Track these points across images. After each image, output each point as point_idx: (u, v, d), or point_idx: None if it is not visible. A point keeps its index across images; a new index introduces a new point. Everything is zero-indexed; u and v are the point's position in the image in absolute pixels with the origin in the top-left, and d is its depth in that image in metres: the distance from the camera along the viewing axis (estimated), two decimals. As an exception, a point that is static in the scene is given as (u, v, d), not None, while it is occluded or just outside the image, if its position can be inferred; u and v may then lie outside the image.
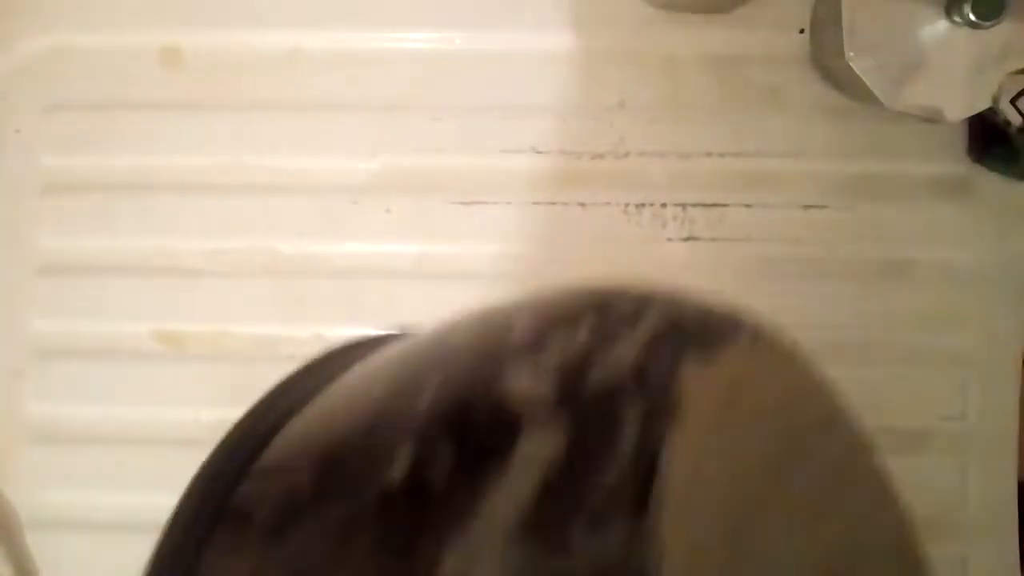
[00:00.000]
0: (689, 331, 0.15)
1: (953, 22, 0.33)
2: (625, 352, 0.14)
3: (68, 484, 0.40)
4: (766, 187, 0.40)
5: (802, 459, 0.15)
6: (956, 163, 0.39)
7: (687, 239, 0.40)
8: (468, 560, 0.11)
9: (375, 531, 0.12)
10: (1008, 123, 0.35)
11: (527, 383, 0.13)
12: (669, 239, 0.40)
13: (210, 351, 0.40)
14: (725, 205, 0.40)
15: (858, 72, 0.34)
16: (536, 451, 0.12)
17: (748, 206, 0.40)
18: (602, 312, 0.15)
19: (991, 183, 0.39)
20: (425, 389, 0.14)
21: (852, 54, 0.34)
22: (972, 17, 0.32)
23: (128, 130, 0.40)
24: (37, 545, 0.40)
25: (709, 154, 0.40)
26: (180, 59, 0.40)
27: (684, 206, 0.40)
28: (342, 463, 0.14)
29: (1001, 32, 0.33)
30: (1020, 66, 0.34)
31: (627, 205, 0.40)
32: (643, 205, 0.40)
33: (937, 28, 0.33)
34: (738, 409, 0.14)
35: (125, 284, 0.40)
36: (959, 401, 0.40)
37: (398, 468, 0.12)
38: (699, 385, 0.14)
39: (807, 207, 0.40)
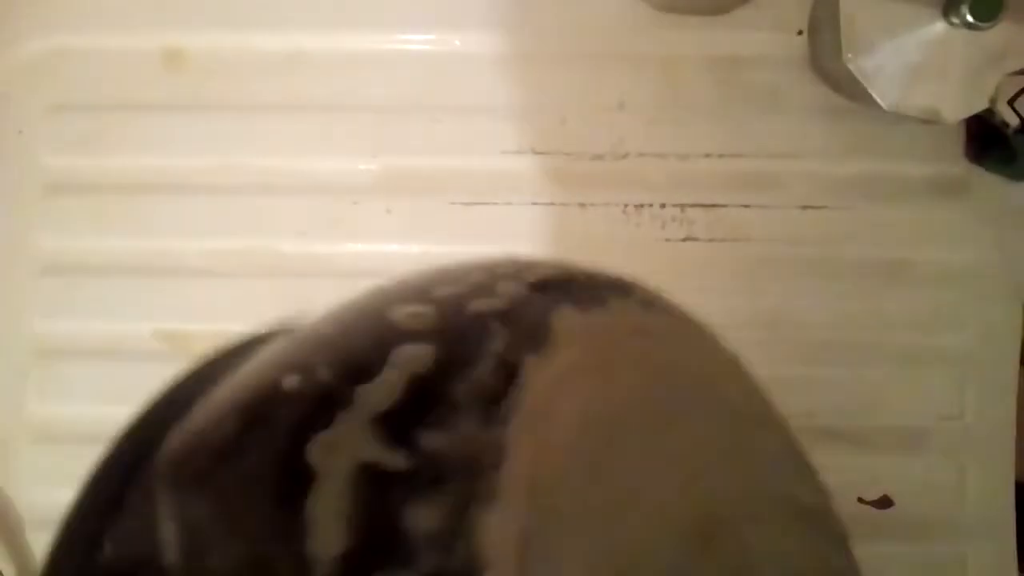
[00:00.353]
0: (575, 284, 0.16)
1: (951, 23, 0.33)
2: (506, 291, 0.15)
3: (69, 483, 0.40)
4: (764, 188, 0.40)
5: (686, 414, 0.15)
6: (954, 164, 0.40)
7: (686, 239, 0.40)
8: (329, 446, 0.12)
9: (266, 432, 0.13)
10: (1006, 124, 0.35)
11: (409, 311, 0.14)
12: (668, 239, 0.40)
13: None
14: (724, 206, 0.40)
15: (856, 73, 0.35)
16: (407, 357, 0.13)
17: (747, 206, 0.40)
18: (491, 269, 0.16)
19: (989, 184, 0.39)
20: (319, 332, 0.15)
21: (850, 55, 0.34)
22: (970, 18, 0.32)
23: (130, 131, 0.41)
24: (38, 544, 0.40)
25: (708, 155, 0.40)
26: (182, 60, 0.41)
27: (683, 207, 0.40)
28: (246, 412, 0.14)
29: (999, 33, 0.33)
30: (1018, 67, 0.34)
31: (626, 206, 0.40)
32: (642, 206, 0.40)
33: (935, 29, 0.33)
34: (616, 356, 0.15)
35: (126, 284, 0.41)
36: (957, 401, 0.40)
37: (287, 383, 0.14)
38: (573, 326, 0.14)
39: (805, 207, 0.40)
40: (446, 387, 0.13)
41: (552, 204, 0.40)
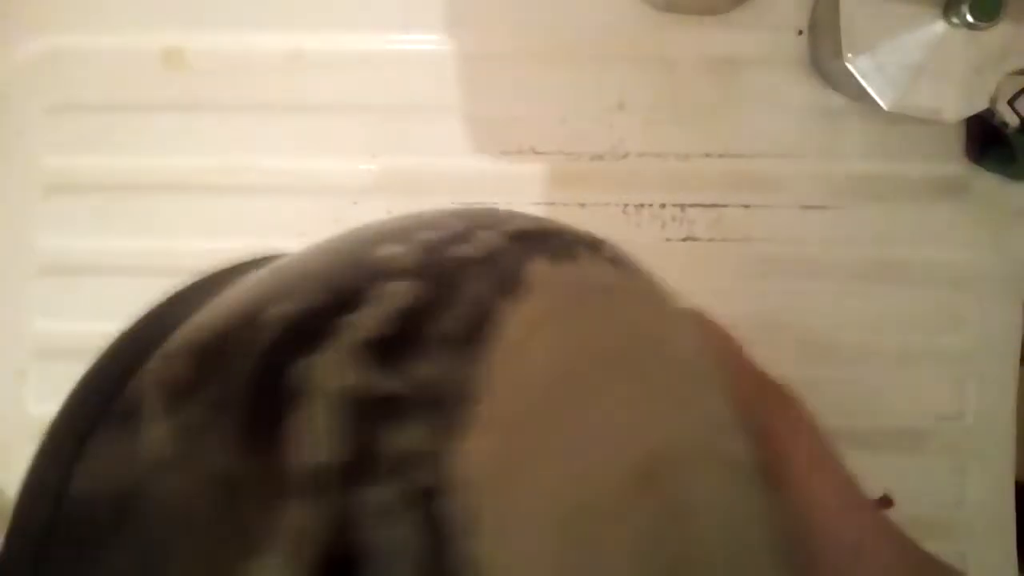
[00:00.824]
0: (549, 237, 0.17)
1: (951, 23, 0.33)
2: (485, 239, 0.16)
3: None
4: (764, 188, 0.40)
5: (641, 365, 0.16)
6: (954, 164, 0.40)
7: (685, 239, 0.40)
8: (314, 368, 0.13)
9: (251, 352, 0.14)
10: (1005, 124, 0.35)
11: (392, 251, 0.15)
12: (668, 239, 0.40)
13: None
14: (723, 205, 0.40)
15: (856, 73, 0.35)
16: (390, 293, 0.14)
17: (746, 207, 0.40)
18: (471, 218, 0.17)
19: (988, 183, 0.39)
20: (304, 264, 0.16)
21: (850, 55, 0.34)
22: (970, 18, 0.32)
23: (130, 131, 0.41)
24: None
25: (708, 155, 0.40)
26: (182, 60, 0.41)
27: (683, 206, 0.40)
28: (231, 333, 0.15)
29: (998, 33, 0.33)
30: (1017, 67, 0.34)
31: (626, 205, 0.40)
32: (642, 205, 0.40)
33: (935, 29, 0.33)
34: (583, 307, 0.16)
35: (126, 284, 0.41)
36: (957, 401, 0.40)
37: (274, 309, 0.14)
38: (546, 276, 0.15)
39: (805, 207, 0.40)
40: (428, 322, 0.13)
41: (552, 204, 0.40)
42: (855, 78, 0.35)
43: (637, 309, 0.17)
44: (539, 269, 0.15)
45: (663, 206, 0.40)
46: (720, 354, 0.19)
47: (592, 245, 0.18)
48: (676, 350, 0.17)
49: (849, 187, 0.40)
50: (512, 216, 0.17)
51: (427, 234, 0.16)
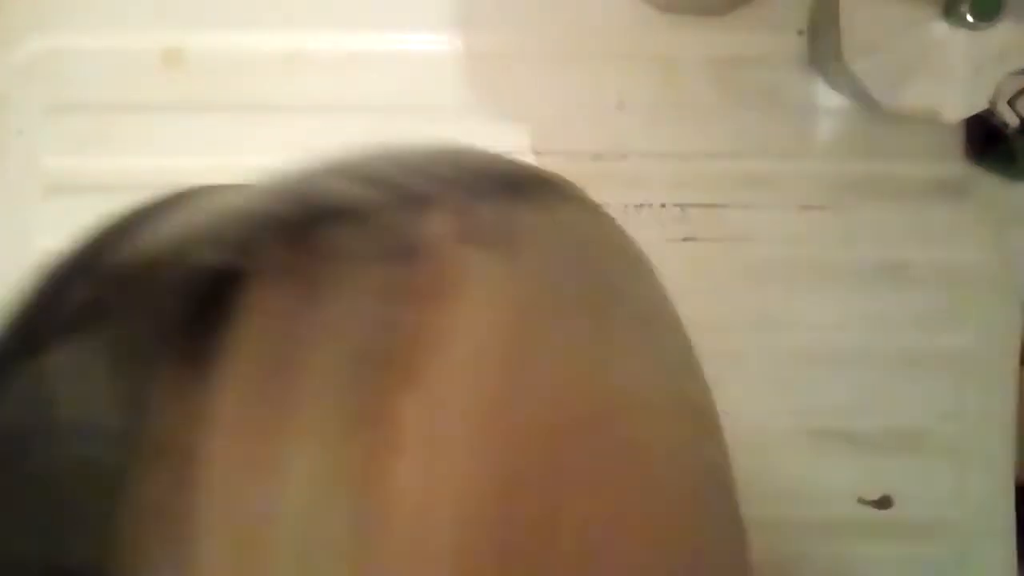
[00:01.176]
0: (524, 183, 0.17)
1: (951, 23, 0.33)
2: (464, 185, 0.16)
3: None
4: (765, 188, 0.40)
5: (600, 310, 0.16)
6: (954, 164, 0.40)
7: (686, 239, 0.40)
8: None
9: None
10: (1005, 124, 0.35)
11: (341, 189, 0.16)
12: (668, 239, 0.40)
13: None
14: (723, 206, 0.40)
15: (856, 73, 0.35)
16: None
17: (746, 207, 0.40)
18: (457, 163, 0.17)
19: (988, 184, 0.39)
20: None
21: (850, 55, 0.34)
22: (970, 18, 0.32)
23: (130, 131, 0.41)
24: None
25: (708, 155, 0.40)
26: (182, 60, 0.41)
27: (683, 207, 0.40)
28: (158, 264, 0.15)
29: (999, 33, 0.33)
30: (1018, 67, 0.34)
31: (626, 206, 0.40)
32: (642, 206, 0.40)
33: (935, 29, 0.33)
34: (549, 253, 0.16)
35: (126, 284, 0.41)
36: (957, 401, 0.40)
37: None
38: (525, 223, 0.16)
39: (805, 208, 0.40)
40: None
41: (552, 204, 0.40)
42: (855, 78, 0.35)
43: (600, 254, 0.18)
44: (521, 218, 0.16)
45: (663, 206, 0.40)
46: None
47: (561, 190, 0.18)
48: (636, 294, 0.18)
49: (849, 187, 0.40)
50: (494, 160, 0.18)
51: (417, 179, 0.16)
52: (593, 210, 0.19)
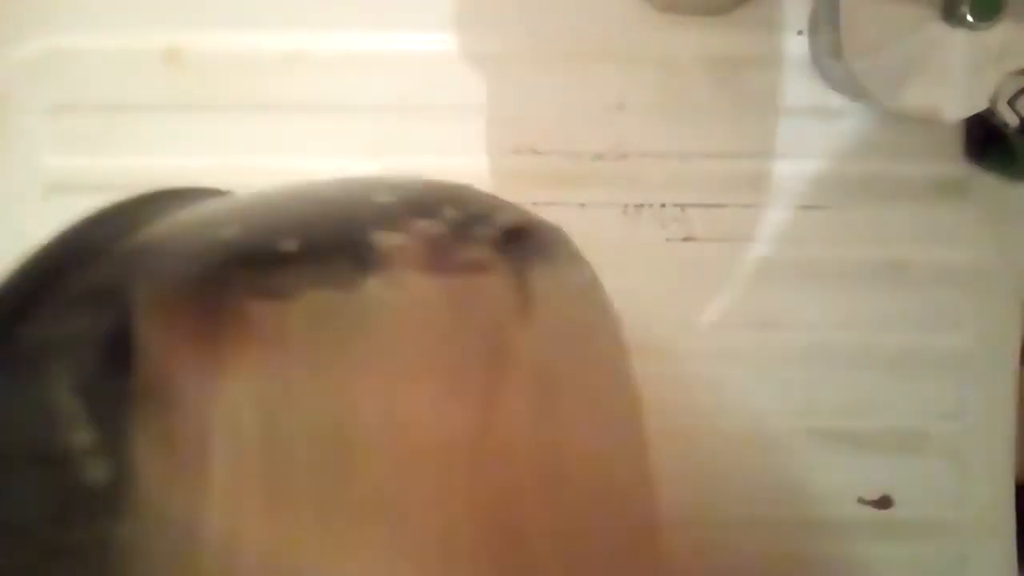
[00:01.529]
0: (534, 239, 0.18)
1: (951, 23, 0.33)
2: (483, 237, 0.16)
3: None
4: (764, 188, 0.40)
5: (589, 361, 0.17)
6: (953, 164, 0.40)
7: (685, 239, 0.40)
8: None
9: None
10: (1005, 124, 0.35)
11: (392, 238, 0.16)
12: (668, 239, 0.40)
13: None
14: (723, 206, 0.40)
15: (856, 73, 0.35)
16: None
17: (746, 207, 0.40)
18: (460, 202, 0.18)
19: (988, 184, 0.39)
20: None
21: (850, 55, 0.34)
22: (970, 18, 0.32)
23: (131, 131, 0.41)
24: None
25: (708, 155, 0.40)
26: (183, 60, 0.41)
27: (683, 207, 0.40)
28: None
29: (999, 33, 0.33)
30: (1018, 67, 0.34)
31: (626, 206, 0.40)
32: (642, 206, 0.40)
33: (935, 29, 0.33)
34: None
35: (126, 284, 0.41)
36: (956, 401, 0.40)
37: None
38: (545, 286, 0.16)
39: (805, 207, 0.40)
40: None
41: (552, 204, 0.40)
42: (855, 78, 0.35)
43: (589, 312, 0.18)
44: (539, 279, 0.16)
45: (663, 206, 0.40)
46: None
47: (560, 247, 0.19)
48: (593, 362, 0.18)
49: (849, 187, 0.40)
50: (501, 208, 0.18)
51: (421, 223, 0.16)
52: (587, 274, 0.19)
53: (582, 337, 0.16)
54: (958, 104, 0.34)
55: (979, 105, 0.34)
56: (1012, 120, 0.35)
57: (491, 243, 0.16)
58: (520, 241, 0.16)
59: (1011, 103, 0.35)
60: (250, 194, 0.18)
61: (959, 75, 0.34)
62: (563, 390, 0.15)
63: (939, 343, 0.40)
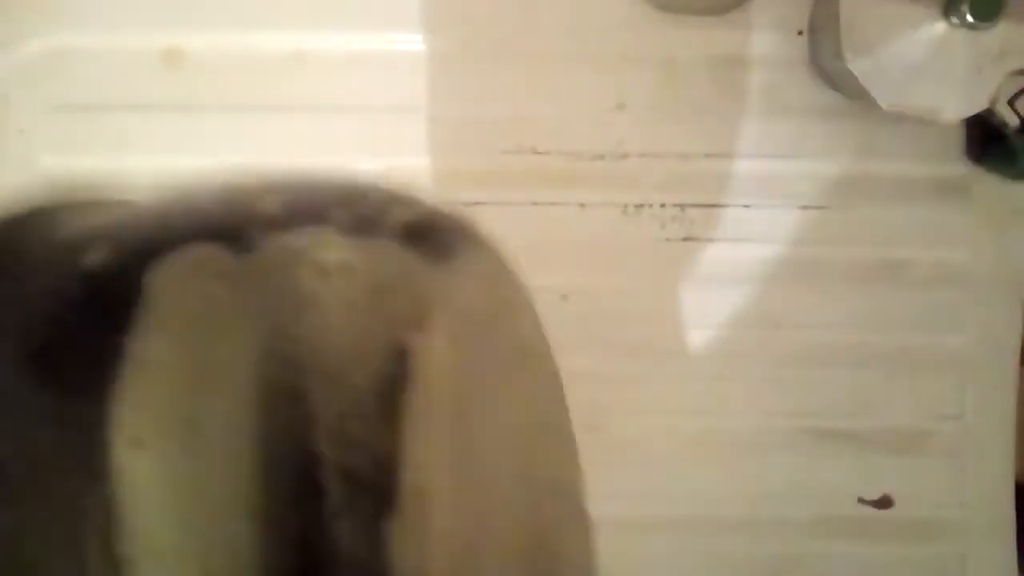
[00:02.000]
0: (436, 233, 0.17)
1: (951, 23, 0.33)
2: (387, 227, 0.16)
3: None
4: (764, 188, 0.40)
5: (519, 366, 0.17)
6: (954, 164, 0.40)
7: (685, 239, 0.40)
8: None
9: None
10: (1005, 124, 0.35)
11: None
12: (668, 239, 0.40)
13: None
14: (723, 206, 0.40)
15: (856, 73, 0.35)
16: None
17: (746, 207, 0.40)
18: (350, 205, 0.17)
19: (988, 184, 0.39)
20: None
21: (850, 55, 0.34)
22: (970, 18, 0.32)
23: (130, 131, 0.41)
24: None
25: (707, 155, 0.40)
26: (182, 60, 0.41)
27: (682, 207, 0.40)
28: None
29: (999, 33, 0.33)
30: (1018, 67, 0.34)
31: (626, 206, 0.40)
32: (642, 206, 0.40)
33: (935, 29, 0.33)
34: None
35: (126, 284, 0.41)
36: (957, 401, 0.40)
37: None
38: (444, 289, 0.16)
39: (805, 207, 0.40)
40: None
41: (552, 204, 0.40)
42: (855, 78, 0.35)
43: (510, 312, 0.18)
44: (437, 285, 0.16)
45: (663, 206, 0.40)
46: None
47: (470, 240, 0.18)
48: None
49: (849, 187, 0.40)
50: (403, 202, 0.18)
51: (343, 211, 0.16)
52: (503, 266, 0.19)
53: (487, 336, 0.16)
54: (958, 104, 0.34)
55: (979, 105, 0.34)
56: (1012, 120, 0.35)
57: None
58: (416, 240, 0.16)
59: (1011, 103, 0.35)
60: (123, 207, 0.17)
61: (959, 75, 0.34)
62: (471, 396, 0.15)
63: (939, 343, 0.40)
